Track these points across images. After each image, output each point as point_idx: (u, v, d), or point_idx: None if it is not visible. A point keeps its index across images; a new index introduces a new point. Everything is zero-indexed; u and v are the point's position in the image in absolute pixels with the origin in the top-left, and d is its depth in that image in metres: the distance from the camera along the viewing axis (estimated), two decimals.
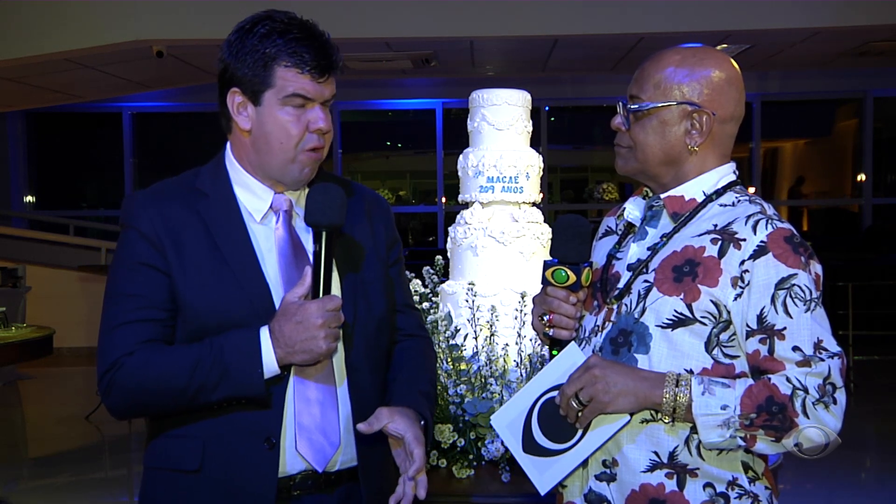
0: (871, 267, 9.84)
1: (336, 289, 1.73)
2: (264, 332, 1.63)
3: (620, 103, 1.72)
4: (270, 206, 1.76)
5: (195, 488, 1.68)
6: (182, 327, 1.69)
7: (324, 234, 1.64)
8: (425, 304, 3.33)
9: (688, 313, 1.58)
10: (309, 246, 1.72)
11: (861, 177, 12.41)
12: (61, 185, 13.34)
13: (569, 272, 1.67)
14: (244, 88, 1.70)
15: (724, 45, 8.69)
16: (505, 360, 3.28)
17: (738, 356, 1.60)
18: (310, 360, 1.63)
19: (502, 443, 2.94)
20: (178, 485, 1.69)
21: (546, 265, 1.69)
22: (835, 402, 1.53)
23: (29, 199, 12.92)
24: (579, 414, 1.60)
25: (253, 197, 1.76)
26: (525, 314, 3.24)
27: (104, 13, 7.90)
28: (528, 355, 3.22)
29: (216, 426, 1.67)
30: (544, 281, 1.70)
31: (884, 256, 10.56)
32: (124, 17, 7.86)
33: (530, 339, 3.24)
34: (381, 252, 1.86)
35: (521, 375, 3.21)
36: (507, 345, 3.30)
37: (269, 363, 1.63)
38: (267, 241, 1.74)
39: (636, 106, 1.68)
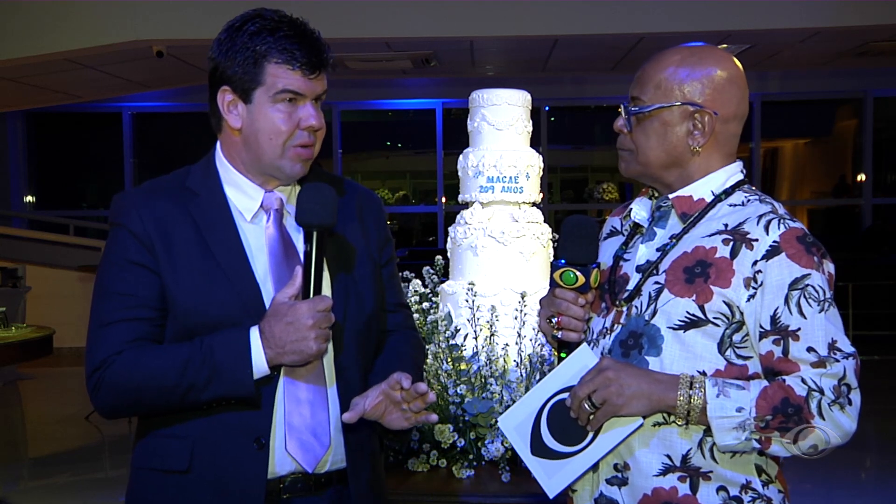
0: (871, 267, 9.85)
1: (327, 288, 1.72)
2: (254, 333, 1.62)
3: (622, 105, 1.71)
4: (261, 205, 1.75)
5: (184, 489, 1.66)
6: (171, 326, 1.67)
7: (315, 234, 1.63)
8: (425, 304, 3.33)
9: (700, 314, 1.57)
10: (300, 245, 1.71)
11: (861, 177, 12.41)
12: (61, 185, 13.34)
13: (577, 274, 1.65)
14: (234, 87, 1.69)
15: (725, 45, 8.68)
16: (505, 360, 3.28)
17: (751, 357, 1.58)
18: (300, 360, 1.63)
19: (502, 443, 2.94)
20: (167, 485, 1.68)
21: (554, 267, 1.67)
22: (850, 402, 1.51)
23: (29, 199, 12.92)
24: (591, 416, 1.58)
25: (243, 196, 1.75)
26: (525, 314, 3.24)
27: (104, 13, 7.91)
28: (528, 355, 3.22)
29: (206, 426, 1.66)
30: (552, 283, 1.68)
31: (884, 256, 10.56)
32: (124, 17, 7.87)
33: (530, 339, 3.24)
34: (373, 251, 1.84)
35: (521, 375, 3.21)
36: (507, 345, 3.30)
37: (259, 364, 1.62)
38: (257, 241, 1.73)
39: (637, 108, 1.67)
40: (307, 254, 1.63)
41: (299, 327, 1.59)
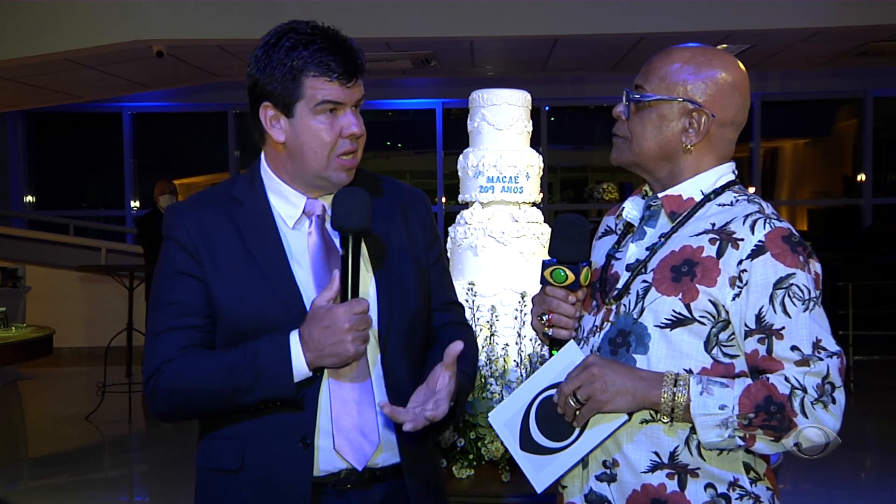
0: (871, 267, 9.84)
1: (371, 290, 1.76)
2: (294, 337, 1.67)
3: (625, 91, 1.72)
4: (303, 212, 1.79)
5: (237, 487, 1.74)
6: (220, 332, 1.75)
7: (350, 237, 1.66)
8: None
9: (686, 313, 1.58)
10: None
11: (861, 177, 12.41)
12: (61, 185, 13.33)
13: (567, 272, 1.67)
14: (275, 102, 1.73)
15: (724, 45, 8.68)
16: (505, 360, 3.28)
17: (738, 356, 1.59)
18: (339, 363, 1.67)
19: (502, 442, 2.95)
20: (222, 484, 1.76)
21: (545, 265, 1.69)
22: (833, 401, 1.52)
23: (29, 199, 12.92)
24: (577, 412, 1.59)
25: (286, 203, 1.79)
26: (525, 314, 3.25)
27: (104, 13, 7.90)
28: (528, 355, 3.22)
29: (255, 427, 1.73)
30: (543, 280, 1.70)
31: (884, 256, 10.55)
32: (124, 17, 7.86)
33: (530, 339, 3.24)
34: (418, 251, 1.87)
35: (521, 375, 3.21)
36: (507, 345, 3.30)
37: (300, 367, 1.67)
38: (300, 247, 1.77)
39: (638, 96, 1.68)
40: (343, 257, 1.67)
41: (336, 330, 1.63)
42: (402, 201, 1.89)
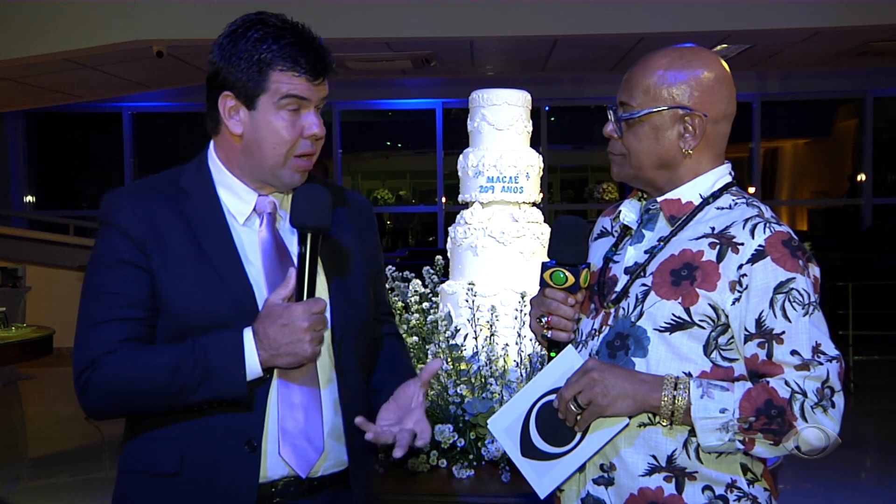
0: (871, 267, 9.85)
1: (323, 291, 1.71)
2: (248, 334, 1.60)
3: (611, 111, 1.72)
4: (254, 209, 1.73)
5: (174, 492, 1.64)
6: (163, 327, 1.65)
7: (309, 235, 1.62)
8: (425, 304, 3.33)
9: (686, 317, 1.58)
10: (293, 249, 1.69)
11: (861, 177, 12.41)
12: (61, 185, 13.34)
13: (567, 274, 1.66)
14: (237, 93, 1.68)
15: (724, 45, 8.69)
16: (505, 360, 3.28)
17: (737, 359, 1.59)
18: (294, 363, 1.60)
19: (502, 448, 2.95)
20: (155, 489, 1.66)
21: (544, 267, 1.68)
22: (833, 405, 1.53)
23: (29, 199, 12.93)
24: (578, 417, 1.59)
25: (236, 199, 1.73)
26: (525, 314, 3.24)
27: (104, 13, 7.91)
28: (528, 355, 3.22)
29: (196, 428, 1.63)
30: (542, 283, 1.69)
31: (884, 256, 10.56)
32: (124, 17, 7.87)
33: (530, 339, 3.24)
34: (366, 259, 1.84)
35: (521, 375, 3.21)
36: (507, 345, 3.30)
37: (253, 365, 1.60)
38: (251, 244, 1.71)
39: (627, 114, 1.68)
40: (301, 255, 1.62)
41: (294, 329, 1.57)
42: (352, 208, 1.85)
